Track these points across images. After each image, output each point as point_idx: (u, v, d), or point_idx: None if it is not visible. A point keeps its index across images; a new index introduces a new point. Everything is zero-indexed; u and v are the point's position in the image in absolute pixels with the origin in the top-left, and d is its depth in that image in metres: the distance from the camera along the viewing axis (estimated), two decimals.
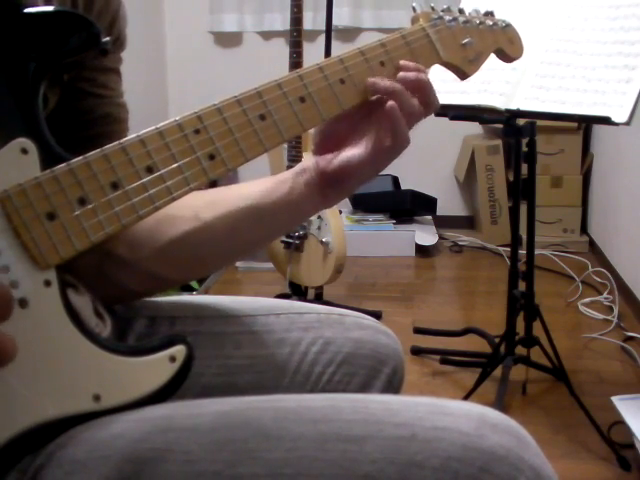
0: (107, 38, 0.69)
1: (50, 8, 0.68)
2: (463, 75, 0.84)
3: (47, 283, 0.62)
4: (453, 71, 0.84)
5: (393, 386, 0.89)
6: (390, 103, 0.74)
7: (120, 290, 0.83)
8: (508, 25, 0.88)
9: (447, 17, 0.82)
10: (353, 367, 0.87)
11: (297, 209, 0.80)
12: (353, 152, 0.76)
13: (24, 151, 0.62)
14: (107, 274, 0.81)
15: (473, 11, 0.86)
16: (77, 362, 0.63)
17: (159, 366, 0.65)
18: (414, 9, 0.82)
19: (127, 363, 0.65)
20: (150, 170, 0.64)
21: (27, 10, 0.65)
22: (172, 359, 0.66)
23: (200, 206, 0.80)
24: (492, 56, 0.88)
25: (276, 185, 0.79)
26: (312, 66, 0.74)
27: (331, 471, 0.60)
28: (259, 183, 0.81)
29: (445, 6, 0.84)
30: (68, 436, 0.63)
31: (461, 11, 0.84)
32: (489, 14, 0.87)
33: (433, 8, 0.83)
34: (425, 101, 0.76)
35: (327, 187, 0.78)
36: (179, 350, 0.66)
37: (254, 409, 0.65)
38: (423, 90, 0.76)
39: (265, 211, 0.79)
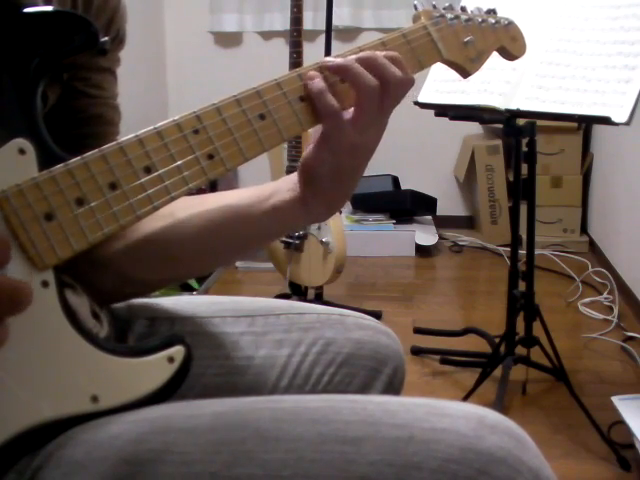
0: (105, 38, 0.69)
1: (49, 8, 0.68)
2: (465, 73, 0.84)
3: (45, 284, 0.61)
4: (455, 69, 0.84)
5: (394, 387, 0.88)
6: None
7: (92, 292, 0.80)
8: (510, 23, 0.87)
9: (449, 15, 0.82)
10: (354, 368, 0.87)
11: (276, 214, 0.76)
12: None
13: (22, 151, 0.62)
14: (76, 272, 0.78)
15: (475, 9, 0.85)
16: (75, 363, 0.63)
17: (157, 367, 0.65)
18: (415, 7, 0.82)
19: (125, 364, 0.65)
20: (148, 170, 0.64)
21: (26, 10, 0.65)
22: (170, 360, 0.65)
23: (177, 206, 0.78)
24: (494, 55, 0.87)
25: (258, 190, 0.78)
26: (312, 65, 0.74)
27: (329, 472, 0.60)
28: (243, 190, 0.80)
29: (447, 4, 0.83)
30: (66, 437, 0.62)
31: (463, 9, 0.84)
32: (491, 12, 0.86)
33: (435, 6, 0.82)
34: (380, 76, 0.70)
35: (302, 185, 0.75)
36: (177, 351, 0.66)
37: (252, 410, 0.64)
38: (373, 65, 0.71)
39: (240, 212, 0.77)
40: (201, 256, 0.81)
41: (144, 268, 0.81)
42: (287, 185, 0.77)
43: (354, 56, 0.72)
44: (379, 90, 0.71)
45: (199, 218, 0.78)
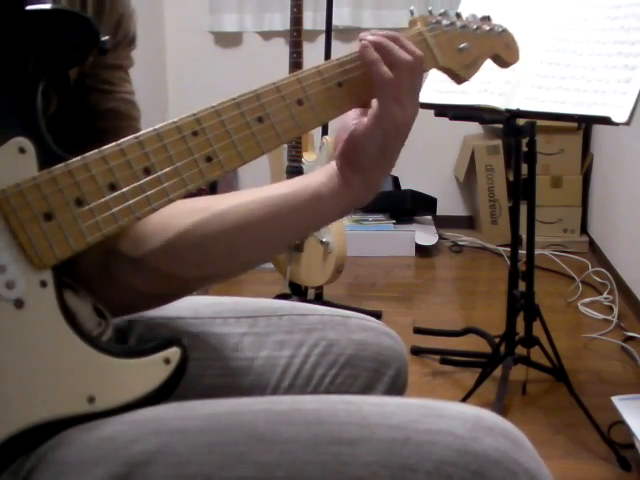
0: (106, 37, 0.69)
1: (49, 5, 0.68)
2: (459, 80, 0.85)
3: (43, 284, 0.61)
4: (449, 75, 0.85)
5: (397, 388, 0.88)
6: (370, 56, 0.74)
7: (128, 292, 0.78)
8: (504, 30, 0.88)
9: (444, 21, 0.83)
10: (356, 369, 0.86)
11: (320, 199, 0.75)
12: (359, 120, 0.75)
13: (22, 150, 0.62)
14: (112, 273, 0.78)
15: (470, 16, 0.86)
16: (72, 364, 0.63)
17: (153, 368, 0.65)
18: (412, 12, 0.82)
19: (122, 365, 0.65)
20: (148, 172, 0.64)
21: (30, 7, 0.65)
22: (167, 361, 0.65)
23: (213, 200, 0.78)
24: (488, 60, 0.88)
25: (294, 181, 0.77)
26: (311, 69, 0.74)
27: (323, 474, 0.60)
28: (279, 183, 0.79)
29: (442, 10, 0.84)
30: (61, 438, 0.62)
31: (458, 15, 0.85)
32: (486, 19, 0.87)
33: (431, 12, 0.83)
34: (411, 53, 0.74)
35: (344, 167, 0.75)
36: (174, 352, 0.66)
37: (247, 411, 0.64)
38: (401, 44, 0.74)
39: (283, 201, 0.76)
40: (238, 250, 0.78)
41: (181, 265, 0.77)
42: (323, 173, 0.77)
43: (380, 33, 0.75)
44: (413, 65, 0.73)
45: (237, 210, 0.76)
